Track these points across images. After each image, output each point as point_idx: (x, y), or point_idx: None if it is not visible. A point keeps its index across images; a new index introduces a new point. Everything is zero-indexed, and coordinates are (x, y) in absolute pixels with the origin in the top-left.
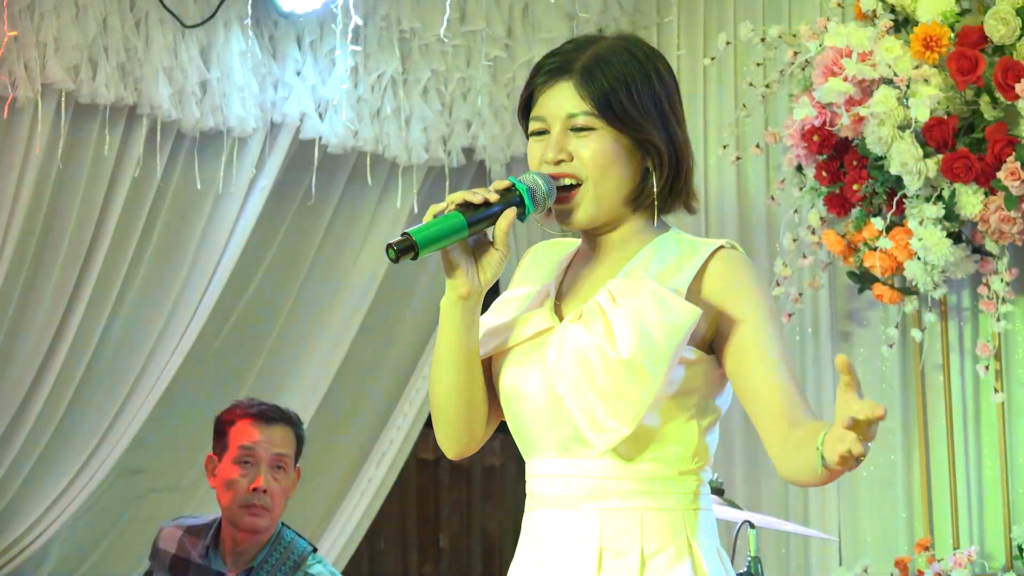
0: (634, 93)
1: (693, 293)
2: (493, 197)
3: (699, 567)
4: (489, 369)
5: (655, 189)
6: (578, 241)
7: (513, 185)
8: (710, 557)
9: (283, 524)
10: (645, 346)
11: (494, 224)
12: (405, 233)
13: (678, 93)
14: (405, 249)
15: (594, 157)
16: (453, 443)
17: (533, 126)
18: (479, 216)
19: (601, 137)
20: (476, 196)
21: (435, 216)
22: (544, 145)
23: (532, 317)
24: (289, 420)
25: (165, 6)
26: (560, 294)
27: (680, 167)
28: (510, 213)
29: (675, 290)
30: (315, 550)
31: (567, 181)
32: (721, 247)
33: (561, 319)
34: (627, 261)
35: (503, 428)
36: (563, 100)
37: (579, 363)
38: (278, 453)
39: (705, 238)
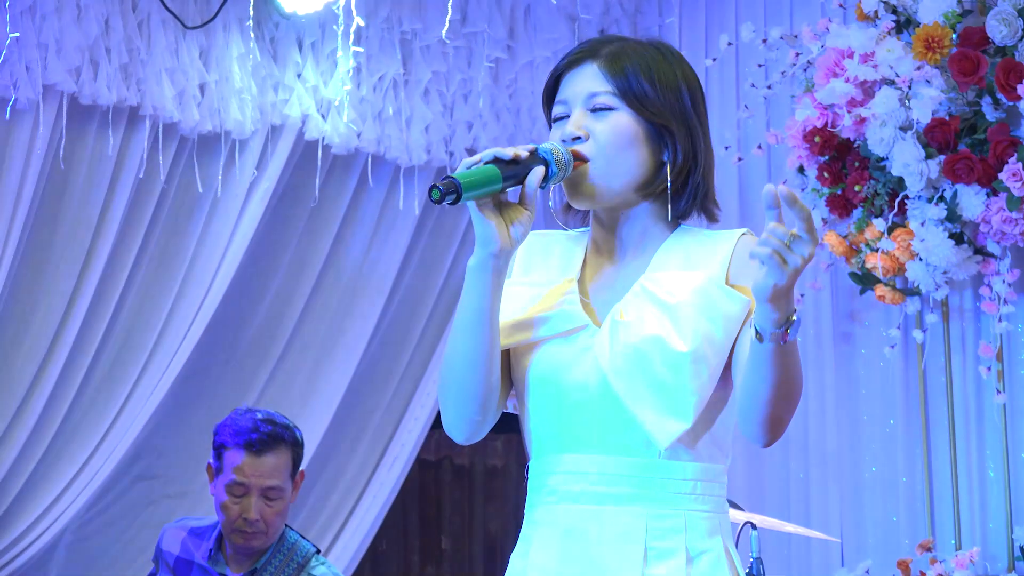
0: (657, 82)
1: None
2: (523, 154)
3: (737, 570)
4: (507, 360)
5: (668, 179)
6: (576, 233)
7: (536, 149)
8: (739, 562)
9: (286, 525)
10: (707, 338)
11: (520, 184)
12: (448, 176)
13: (702, 98)
14: (449, 191)
15: (609, 136)
16: (466, 423)
17: (556, 111)
18: (510, 172)
19: (619, 117)
20: (507, 152)
21: (470, 168)
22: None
23: (561, 311)
24: (282, 441)
25: (167, 7)
26: (581, 289)
27: (697, 164)
28: (540, 170)
29: (716, 280)
30: (319, 551)
31: (580, 159)
32: (744, 233)
33: (591, 316)
34: (651, 256)
35: (503, 429)
36: (586, 81)
37: (638, 359)
38: (269, 486)
39: (724, 230)
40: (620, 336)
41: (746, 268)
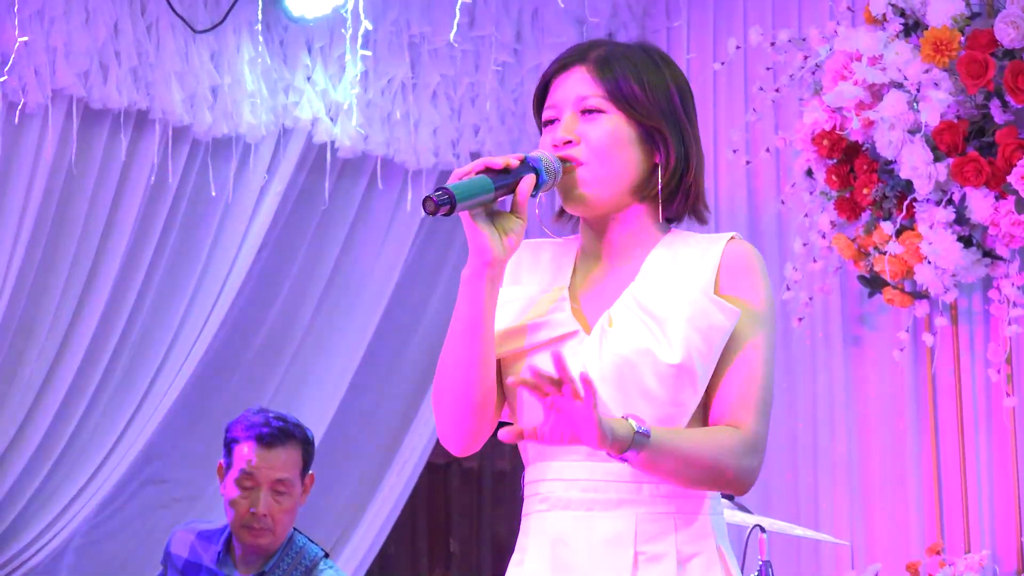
0: (646, 84)
1: (715, 290)
2: (513, 163)
3: (730, 572)
4: (498, 369)
5: (660, 182)
6: (567, 241)
7: (525, 157)
8: (733, 562)
9: (295, 529)
10: (694, 351)
11: (511, 192)
12: (442, 187)
13: (691, 100)
14: (443, 203)
15: (601, 139)
16: (462, 433)
17: (545, 115)
18: (501, 182)
19: (610, 120)
20: (497, 161)
21: (461, 179)
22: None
23: (552, 319)
24: (292, 438)
25: (175, 11)
26: (572, 296)
27: (689, 166)
28: (531, 178)
29: (704, 290)
30: (327, 555)
31: (571, 164)
32: (732, 238)
33: (581, 322)
34: (641, 262)
35: None
36: (576, 85)
37: (627, 369)
38: (279, 479)
39: (712, 234)
40: (610, 345)
41: (736, 277)
